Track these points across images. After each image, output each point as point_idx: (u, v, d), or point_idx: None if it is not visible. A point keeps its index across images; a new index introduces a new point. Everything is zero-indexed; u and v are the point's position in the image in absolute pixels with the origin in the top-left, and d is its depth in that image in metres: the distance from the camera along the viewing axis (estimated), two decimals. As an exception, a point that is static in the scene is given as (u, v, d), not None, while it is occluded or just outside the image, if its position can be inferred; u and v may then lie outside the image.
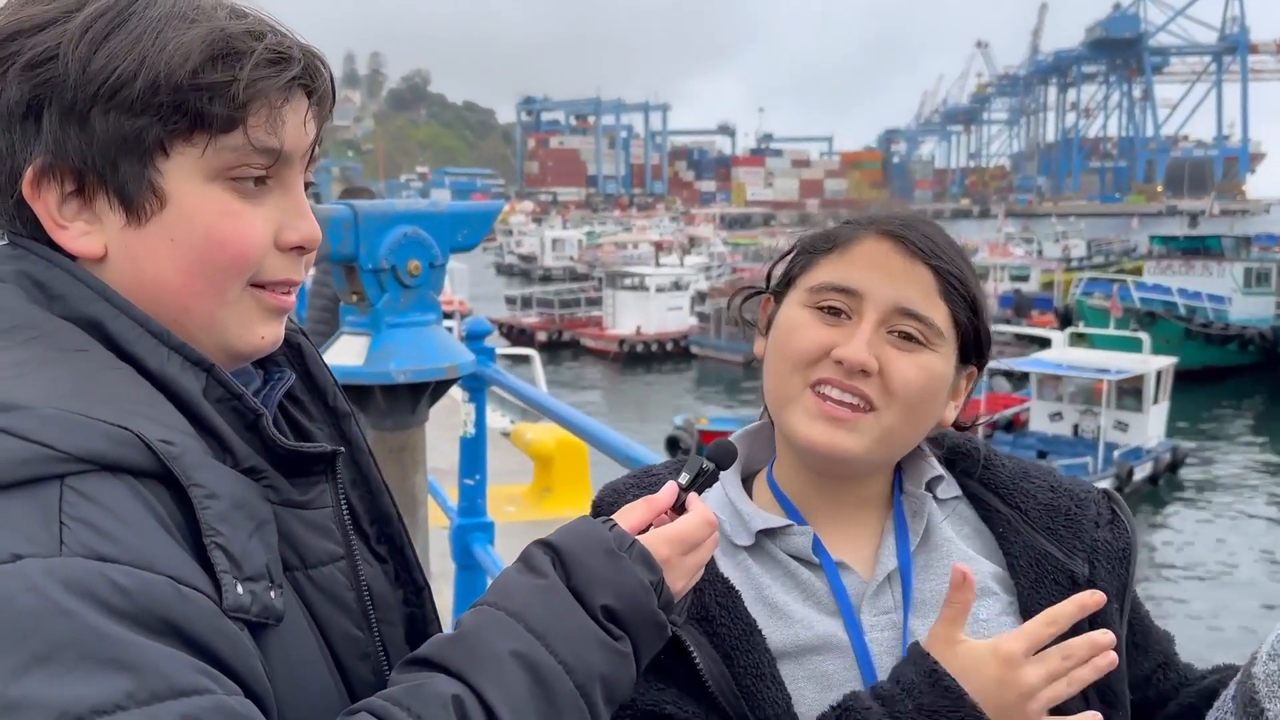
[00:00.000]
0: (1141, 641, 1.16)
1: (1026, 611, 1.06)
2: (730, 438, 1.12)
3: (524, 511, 6.64)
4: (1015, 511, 1.12)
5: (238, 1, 0.86)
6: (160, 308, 0.84)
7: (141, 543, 0.69)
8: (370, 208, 2.82)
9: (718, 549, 1.04)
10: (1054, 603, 1.03)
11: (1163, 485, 18.58)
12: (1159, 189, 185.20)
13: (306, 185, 0.94)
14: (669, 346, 33.05)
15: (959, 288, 1.05)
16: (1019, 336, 23.18)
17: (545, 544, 0.89)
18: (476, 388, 3.34)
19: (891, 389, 1.03)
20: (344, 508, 0.91)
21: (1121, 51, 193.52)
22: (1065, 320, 28.73)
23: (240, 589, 0.73)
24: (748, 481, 1.17)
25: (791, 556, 1.08)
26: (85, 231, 0.82)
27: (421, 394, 2.86)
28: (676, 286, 34.65)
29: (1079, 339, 21.79)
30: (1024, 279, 36.75)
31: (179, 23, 0.81)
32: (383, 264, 2.73)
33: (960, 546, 1.11)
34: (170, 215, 0.83)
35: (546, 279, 45.48)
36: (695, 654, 0.99)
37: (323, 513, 0.88)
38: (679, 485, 0.99)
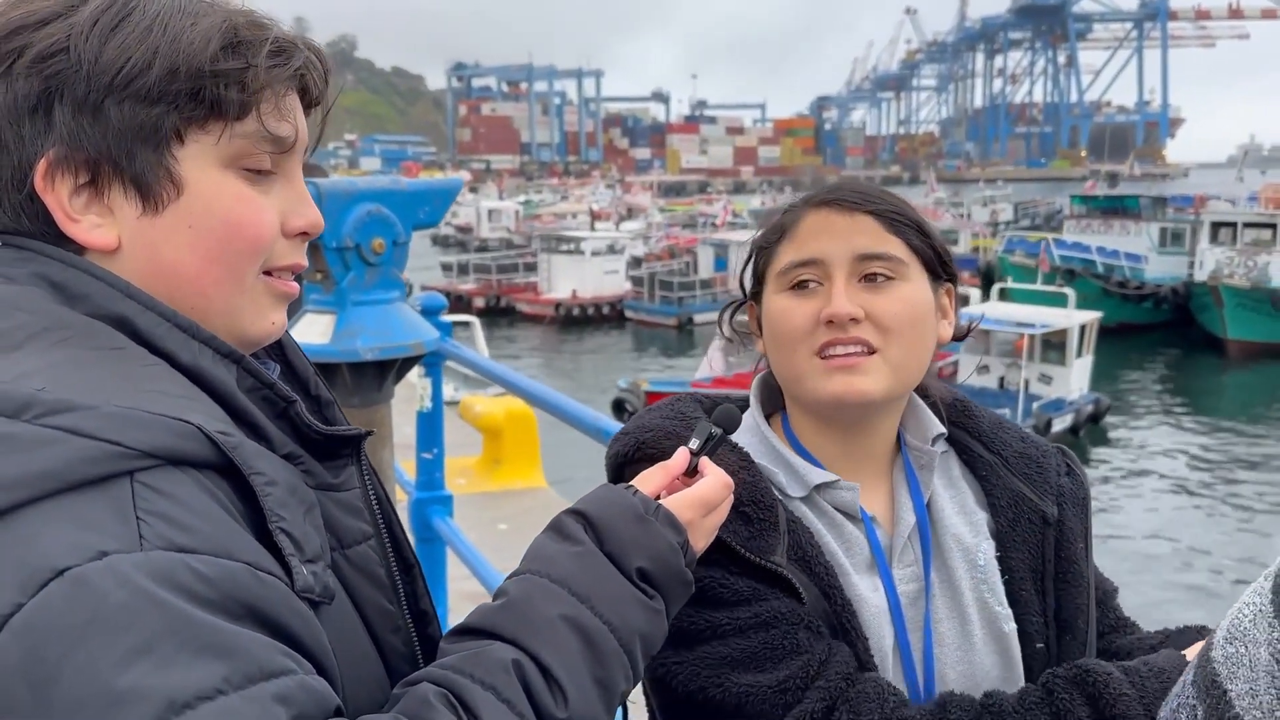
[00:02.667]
0: (1101, 598, 1.25)
1: (1003, 547, 1.18)
2: (750, 389, 1.23)
3: (475, 484, 6.70)
4: (996, 457, 1.22)
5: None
6: (177, 297, 0.85)
7: (215, 532, 0.71)
8: (333, 185, 2.86)
9: (779, 493, 1.13)
10: (1028, 540, 1.18)
11: (1084, 436, 19.21)
12: (1083, 154, 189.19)
13: (311, 171, 0.99)
14: (605, 310, 33.11)
15: (901, 219, 1.14)
16: None
17: (575, 512, 0.95)
18: (433, 362, 3.40)
19: (884, 326, 1.11)
20: (369, 488, 0.95)
21: (1047, 18, 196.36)
22: (987, 278, 29.35)
23: (305, 571, 0.76)
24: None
25: (840, 510, 1.15)
26: (98, 224, 0.83)
27: (389, 371, 2.92)
28: (611, 250, 34.64)
29: (1005, 295, 22.34)
30: (953, 243, 37.47)
31: (183, 16, 0.83)
32: (347, 242, 2.77)
33: (952, 512, 1.19)
34: (187, 202, 0.84)
35: (483, 250, 45.03)
36: (803, 593, 1.07)
37: (353, 494, 0.92)
38: (690, 451, 1.05)
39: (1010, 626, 1.15)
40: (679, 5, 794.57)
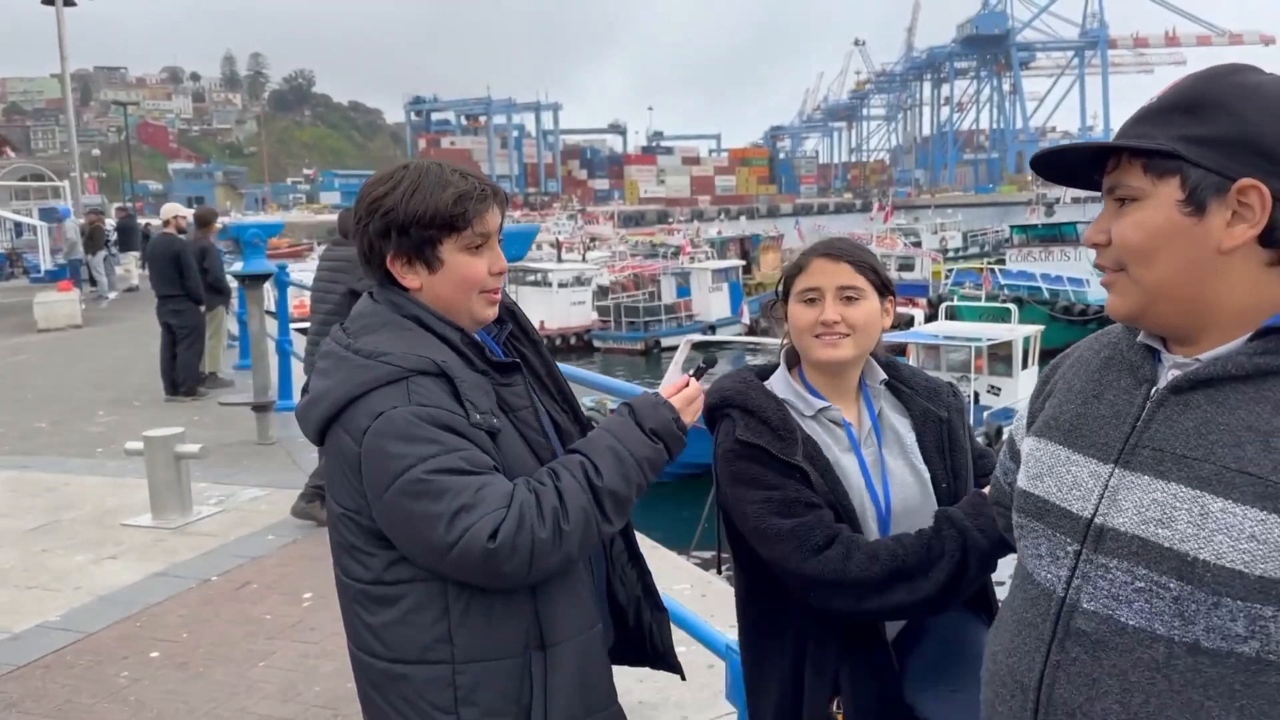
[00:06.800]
0: (977, 456, 2.11)
1: (920, 435, 2.01)
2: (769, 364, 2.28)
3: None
4: (911, 390, 2.07)
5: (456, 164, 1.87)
6: (440, 305, 1.83)
7: (437, 400, 1.69)
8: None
9: (798, 414, 1.97)
10: (932, 431, 2.01)
11: (1031, 442, 20.44)
12: (1029, 179, 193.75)
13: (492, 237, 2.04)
14: (573, 340, 33.74)
15: (863, 265, 1.97)
16: None
17: (626, 404, 1.87)
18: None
19: (853, 324, 1.95)
20: (530, 386, 1.90)
21: (991, 47, 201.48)
22: (938, 307, 30.69)
23: (478, 415, 1.71)
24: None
25: (830, 421, 1.99)
26: (410, 278, 1.83)
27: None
28: (579, 281, 35.27)
29: (953, 313, 23.85)
30: (911, 268, 38.75)
31: (440, 186, 1.78)
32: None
33: (895, 417, 2.03)
34: (447, 268, 1.81)
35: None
36: (810, 475, 1.88)
37: (518, 389, 1.85)
38: (688, 376, 1.95)
39: (926, 474, 2.00)
40: (632, 36, 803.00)
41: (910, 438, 2.04)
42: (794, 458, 1.90)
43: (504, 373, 1.84)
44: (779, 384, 2.05)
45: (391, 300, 1.83)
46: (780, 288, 2.09)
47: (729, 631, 3.00)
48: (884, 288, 2.02)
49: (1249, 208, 1.16)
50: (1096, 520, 1.25)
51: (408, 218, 1.77)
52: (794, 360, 2.09)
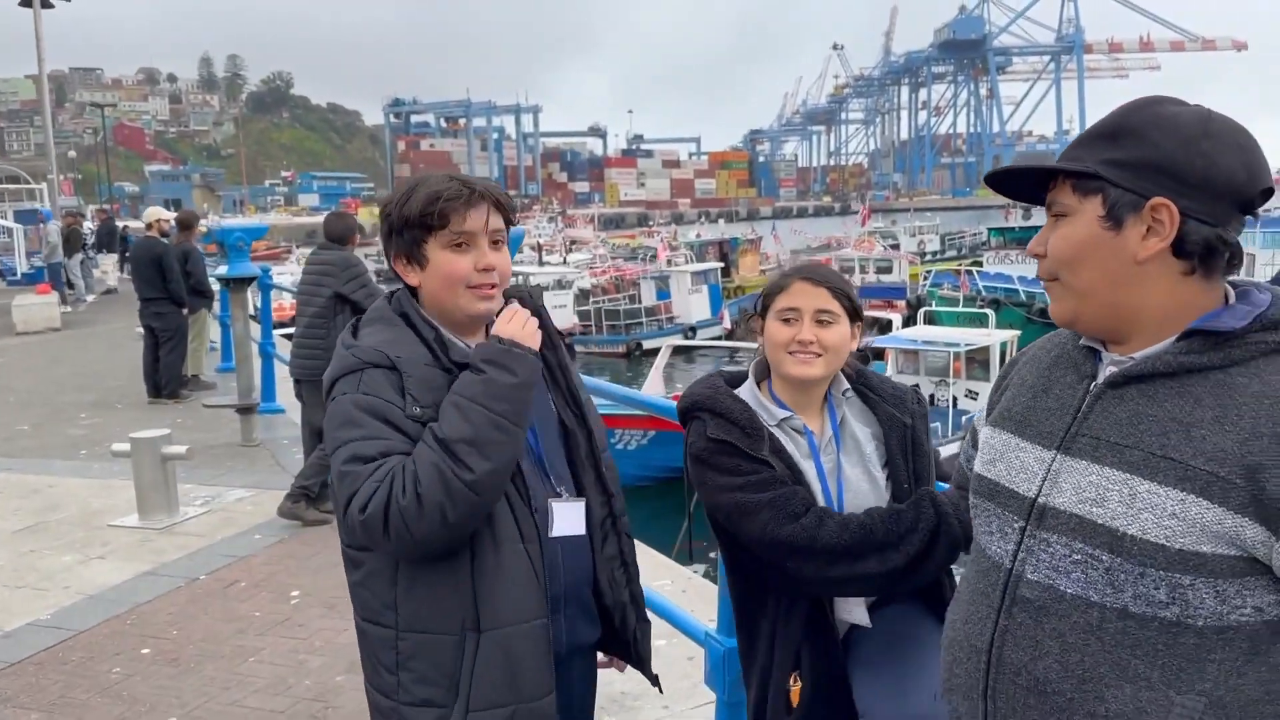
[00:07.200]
0: (937, 460, 2.29)
1: (886, 439, 2.16)
2: (742, 371, 2.46)
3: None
4: (878, 396, 2.23)
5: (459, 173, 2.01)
6: (436, 304, 1.98)
7: (380, 391, 1.85)
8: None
9: (763, 421, 2.10)
10: (897, 435, 2.15)
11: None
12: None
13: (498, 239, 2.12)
14: (555, 343, 33.79)
15: (840, 292, 2.14)
16: None
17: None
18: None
19: (826, 346, 2.11)
20: (546, 383, 2.12)
21: (968, 52, 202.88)
22: (916, 309, 30.96)
23: (416, 409, 1.84)
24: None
25: (792, 429, 2.14)
26: (409, 275, 1.99)
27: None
28: (560, 285, 35.44)
29: (931, 319, 24.06)
30: (888, 271, 39.10)
31: (425, 190, 1.95)
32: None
33: (858, 426, 2.17)
34: (432, 266, 1.95)
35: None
36: (775, 466, 2.04)
37: None
38: (513, 303, 2.00)
39: (881, 479, 2.14)
40: (612, 39, 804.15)
41: (871, 445, 2.19)
42: (761, 453, 2.05)
43: (464, 367, 1.94)
44: (746, 394, 2.21)
45: (394, 298, 2.03)
46: (759, 304, 2.25)
47: (710, 624, 3.13)
48: (855, 313, 2.19)
49: (1160, 223, 1.31)
50: (1040, 500, 1.39)
51: (399, 221, 1.96)
52: (762, 374, 2.25)
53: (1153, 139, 1.32)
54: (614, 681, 4.21)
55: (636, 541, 2.39)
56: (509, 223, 2.03)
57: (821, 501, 2.08)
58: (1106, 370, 1.40)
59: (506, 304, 2.04)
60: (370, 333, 1.96)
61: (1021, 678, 1.37)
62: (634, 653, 2.24)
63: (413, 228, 1.94)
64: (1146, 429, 1.31)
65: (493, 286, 1.98)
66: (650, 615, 3.55)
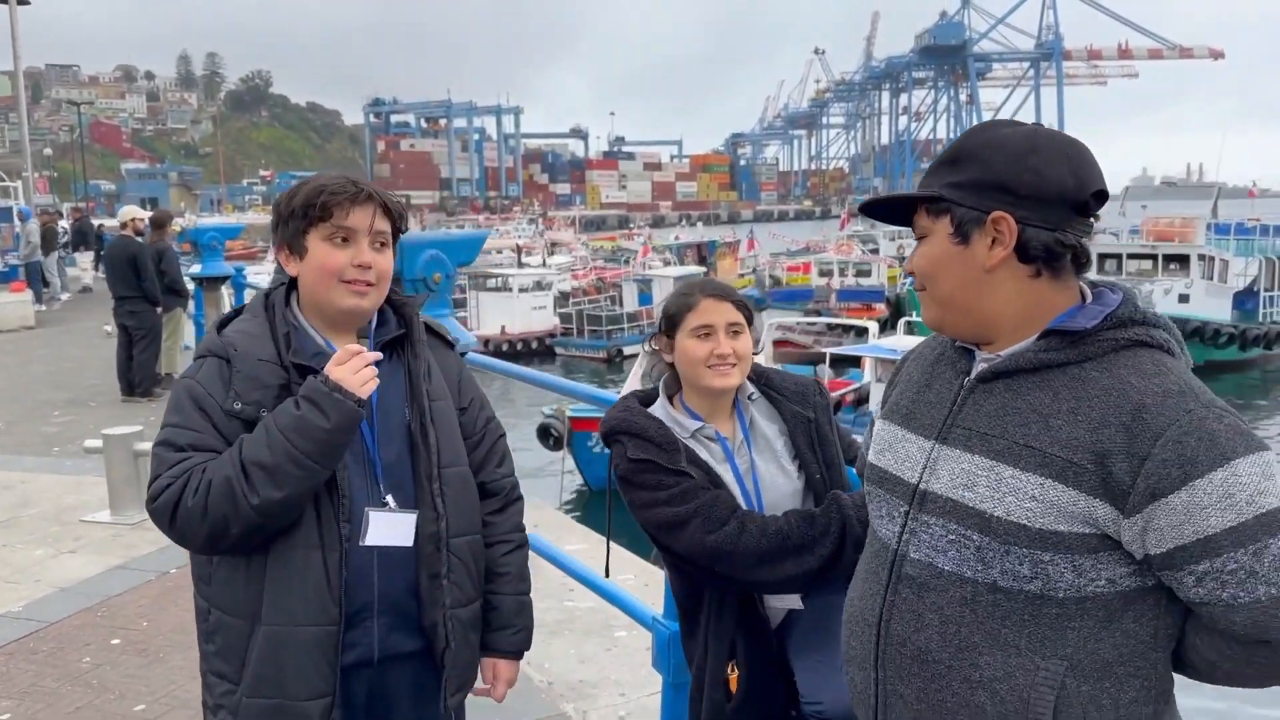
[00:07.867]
0: (845, 446, 2.39)
1: (792, 435, 2.28)
2: (649, 391, 2.53)
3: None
4: (781, 395, 2.35)
5: (350, 174, 2.05)
6: (311, 294, 2.01)
7: (208, 381, 1.94)
8: (410, 237, 4.18)
9: (678, 434, 2.22)
10: (802, 429, 2.28)
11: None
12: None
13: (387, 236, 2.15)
14: (534, 345, 33.61)
15: (741, 304, 2.29)
16: (831, 326, 25.15)
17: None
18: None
19: (740, 355, 2.26)
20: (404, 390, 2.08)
21: (948, 58, 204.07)
22: (896, 309, 31.03)
23: (237, 405, 1.91)
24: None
25: (705, 438, 2.27)
26: (290, 265, 2.02)
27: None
28: (539, 286, 35.20)
29: (911, 328, 24.27)
30: (867, 274, 39.29)
31: (311, 186, 2.03)
32: (419, 275, 4.11)
33: (765, 425, 2.31)
34: (309, 257, 1.99)
35: (409, 286, 45.11)
36: (693, 475, 2.15)
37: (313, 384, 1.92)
38: (359, 345, 1.98)
39: (794, 471, 2.27)
40: (594, 41, 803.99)
41: (780, 441, 2.33)
42: (679, 465, 2.17)
43: (300, 373, 1.98)
44: (660, 411, 2.33)
45: (271, 290, 2.11)
46: (663, 323, 2.36)
47: (659, 609, 3.26)
48: (751, 322, 2.36)
49: (1002, 234, 1.46)
50: (921, 486, 1.54)
51: (286, 211, 2.03)
52: (673, 389, 2.38)
53: (985, 159, 1.47)
54: (574, 670, 4.35)
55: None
56: (397, 230, 2.07)
57: (741, 501, 2.21)
58: (978, 367, 1.55)
59: (382, 315, 2.10)
60: (235, 322, 2.06)
61: (906, 648, 1.51)
62: (444, 676, 2.08)
63: (297, 218, 2.00)
64: (1011, 420, 1.45)
65: (368, 285, 2.00)
66: (605, 604, 3.70)
